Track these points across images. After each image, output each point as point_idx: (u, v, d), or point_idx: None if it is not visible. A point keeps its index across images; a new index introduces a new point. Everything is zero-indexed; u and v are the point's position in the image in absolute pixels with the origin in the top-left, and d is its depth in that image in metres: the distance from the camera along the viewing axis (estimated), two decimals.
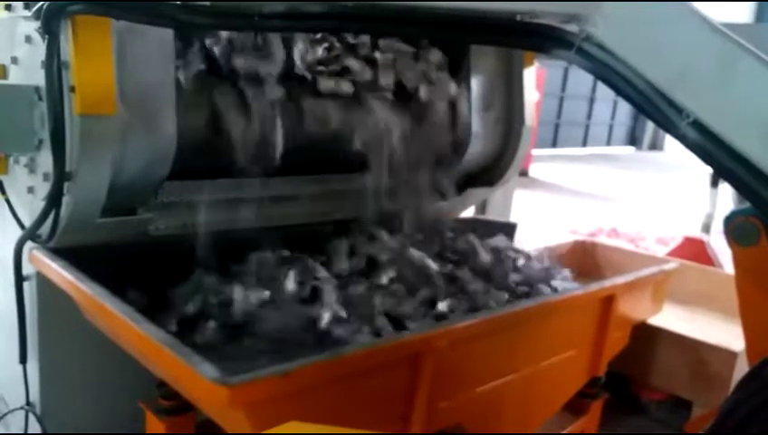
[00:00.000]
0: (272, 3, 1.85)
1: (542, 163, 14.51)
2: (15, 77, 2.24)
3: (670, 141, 12.07)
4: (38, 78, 2.02)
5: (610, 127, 20.59)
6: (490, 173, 3.35)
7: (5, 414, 2.53)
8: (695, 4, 1.61)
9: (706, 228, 5.78)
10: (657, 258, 3.98)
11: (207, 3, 1.88)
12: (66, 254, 2.12)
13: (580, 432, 2.88)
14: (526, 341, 2.34)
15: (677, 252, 4.85)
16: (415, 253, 2.67)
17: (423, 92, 2.92)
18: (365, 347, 1.95)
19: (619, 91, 1.70)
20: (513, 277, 2.78)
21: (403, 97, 2.88)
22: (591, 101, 19.28)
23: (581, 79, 16.72)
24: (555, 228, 7.90)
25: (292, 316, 2.20)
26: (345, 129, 2.70)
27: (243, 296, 2.21)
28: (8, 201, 2.33)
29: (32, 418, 2.41)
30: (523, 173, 11.94)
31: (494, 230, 3.17)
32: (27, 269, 2.27)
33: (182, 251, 2.26)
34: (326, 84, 2.64)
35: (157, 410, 2.16)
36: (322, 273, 2.44)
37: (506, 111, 3.26)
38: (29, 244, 2.21)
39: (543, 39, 1.84)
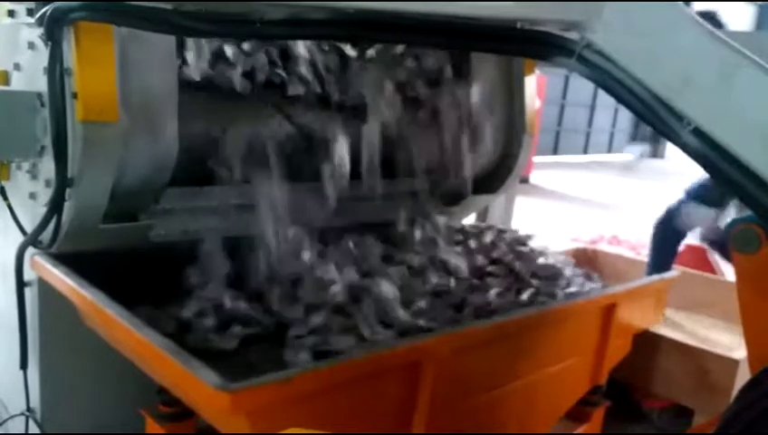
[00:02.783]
0: (273, 9, 1.85)
1: (543, 170, 14.52)
2: (18, 83, 2.25)
3: (671, 149, 12.05)
4: (40, 84, 2.02)
5: (611, 134, 20.60)
6: (491, 180, 3.35)
7: (6, 420, 2.53)
8: (695, 11, 1.62)
9: None
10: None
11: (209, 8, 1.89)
12: (67, 260, 2.12)
13: None
14: (527, 348, 2.34)
15: (678, 259, 4.84)
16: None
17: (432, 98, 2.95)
18: (366, 354, 1.95)
19: (619, 99, 1.70)
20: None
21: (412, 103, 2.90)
22: (592, 108, 19.30)
23: (582, 86, 16.74)
24: (556, 235, 7.89)
25: None
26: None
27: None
28: (10, 207, 2.33)
29: (32, 424, 2.40)
30: (524, 180, 11.93)
31: None
32: (28, 275, 2.27)
33: (183, 257, 2.26)
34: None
35: (157, 417, 2.16)
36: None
37: (507, 118, 3.26)
38: (30, 249, 2.21)
39: (544, 47, 1.84)
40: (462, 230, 3.13)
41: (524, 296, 2.61)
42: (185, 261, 2.28)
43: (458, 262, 2.75)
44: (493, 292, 2.57)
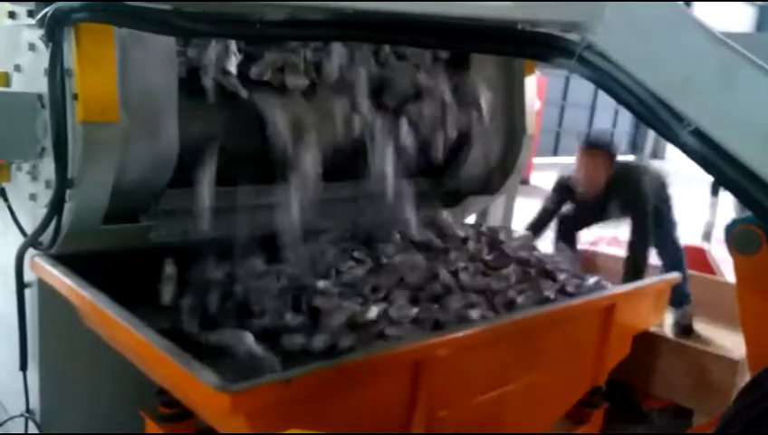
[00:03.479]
0: (273, 10, 1.86)
1: (544, 171, 14.50)
2: (18, 85, 2.25)
3: (671, 150, 12.02)
4: (41, 86, 2.02)
5: (611, 135, 20.61)
6: (491, 181, 3.35)
7: (5, 421, 2.53)
8: (696, 12, 1.62)
9: (707, 237, 5.78)
10: (658, 267, 3.98)
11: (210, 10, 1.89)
12: (68, 261, 2.12)
13: None
14: (527, 350, 2.34)
15: None
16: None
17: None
18: (366, 355, 1.95)
19: (620, 100, 1.70)
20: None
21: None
22: (592, 109, 19.27)
23: (583, 87, 16.70)
24: None
25: None
26: (348, 136, 2.71)
27: None
28: (10, 208, 2.33)
29: (32, 425, 2.40)
30: (524, 181, 11.92)
31: None
32: (29, 276, 2.27)
33: (183, 258, 2.26)
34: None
35: (157, 418, 2.16)
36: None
37: (507, 119, 3.26)
38: (31, 251, 2.21)
39: (545, 48, 1.84)
40: (472, 229, 3.14)
41: (549, 293, 2.63)
42: (185, 262, 2.28)
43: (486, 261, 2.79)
44: (517, 289, 2.60)
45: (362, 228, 2.82)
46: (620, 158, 3.67)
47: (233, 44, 2.43)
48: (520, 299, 2.53)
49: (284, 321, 2.15)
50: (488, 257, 2.84)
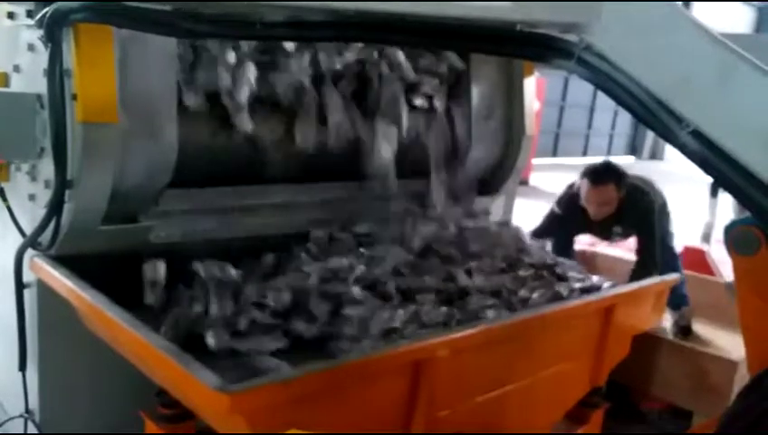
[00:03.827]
0: (273, 11, 1.86)
1: (543, 172, 14.51)
2: (18, 85, 2.25)
3: (670, 151, 12.02)
4: (40, 86, 2.03)
5: (611, 136, 20.58)
6: (490, 182, 3.36)
7: (5, 422, 2.52)
8: (694, 12, 1.62)
9: (706, 238, 5.78)
10: None
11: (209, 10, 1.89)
12: (67, 261, 2.12)
13: None
14: (527, 351, 2.34)
15: None
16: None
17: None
18: (365, 355, 1.95)
19: (619, 101, 1.70)
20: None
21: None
22: (592, 110, 19.28)
23: (582, 88, 16.72)
24: None
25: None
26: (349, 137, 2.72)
27: None
28: (9, 208, 2.33)
29: (31, 425, 2.40)
30: (524, 182, 11.93)
31: None
32: (28, 277, 2.27)
33: (182, 259, 2.26)
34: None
35: (156, 418, 2.16)
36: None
37: (506, 120, 3.27)
38: (30, 251, 2.21)
39: (543, 48, 1.84)
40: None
41: (561, 290, 2.64)
42: (184, 262, 2.28)
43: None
44: (531, 288, 2.62)
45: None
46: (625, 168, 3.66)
47: (249, 71, 2.41)
48: (534, 296, 2.54)
49: (329, 328, 2.16)
50: (502, 264, 2.84)
